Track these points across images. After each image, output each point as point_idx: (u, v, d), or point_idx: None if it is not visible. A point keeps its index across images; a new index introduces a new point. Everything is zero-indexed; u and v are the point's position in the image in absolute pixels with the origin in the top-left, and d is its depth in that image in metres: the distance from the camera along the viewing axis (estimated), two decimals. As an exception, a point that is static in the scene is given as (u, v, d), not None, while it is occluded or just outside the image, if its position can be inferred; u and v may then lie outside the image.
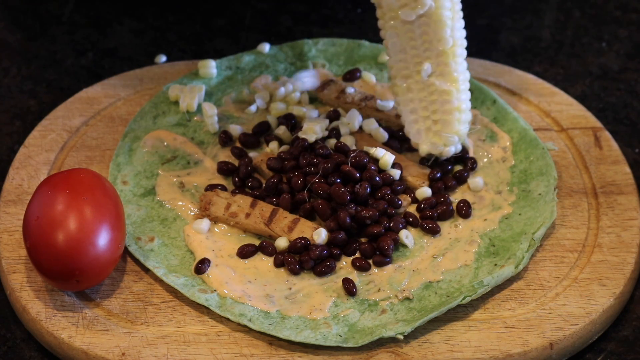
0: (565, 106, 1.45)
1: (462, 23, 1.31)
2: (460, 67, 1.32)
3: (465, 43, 1.32)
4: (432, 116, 1.33)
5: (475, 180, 1.34)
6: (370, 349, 1.18)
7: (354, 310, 1.21)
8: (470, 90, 1.32)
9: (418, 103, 1.33)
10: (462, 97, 1.32)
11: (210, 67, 1.47)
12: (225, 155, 1.39)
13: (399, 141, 1.39)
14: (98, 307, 1.22)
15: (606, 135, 1.41)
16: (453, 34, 1.30)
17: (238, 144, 1.40)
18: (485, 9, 1.66)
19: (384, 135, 1.37)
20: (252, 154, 1.38)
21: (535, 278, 1.25)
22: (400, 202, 1.31)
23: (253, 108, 1.43)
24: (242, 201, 1.30)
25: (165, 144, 1.39)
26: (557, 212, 1.31)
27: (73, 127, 1.42)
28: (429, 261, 1.26)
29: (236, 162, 1.37)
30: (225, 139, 1.39)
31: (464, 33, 1.32)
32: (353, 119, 1.38)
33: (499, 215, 1.31)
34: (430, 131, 1.34)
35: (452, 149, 1.34)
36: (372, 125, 1.38)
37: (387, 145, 1.37)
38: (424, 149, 1.34)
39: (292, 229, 1.28)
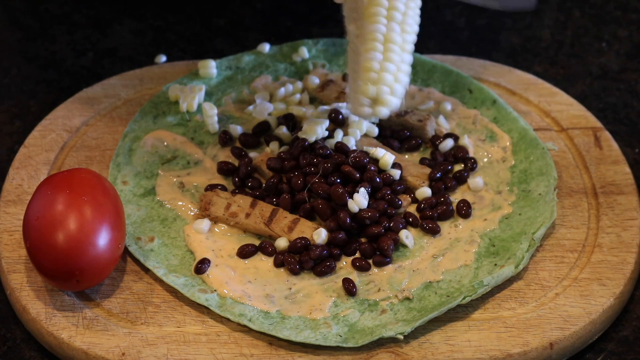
0: (565, 106, 1.45)
1: None
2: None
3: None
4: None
5: (475, 180, 1.34)
6: (370, 349, 1.18)
7: (354, 310, 1.21)
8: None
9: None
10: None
11: (210, 67, 1.47)
12: (225, 155, 1.39)
13: (398, 141, 1.39)
14: (98, 307, 1.22)
15: (606, 135, 1.41)
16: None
17: (238, 144, 1.40)
18: (485, 9, 1.66)
19: (374, 130, 1.37)
20: (252, 154, 1.38)
21: (535, 278, 1.25)
22: (400, 202, 1.30)
23: (255, 111, 1.43)
24: (242, 201, 1.30)
25: (165, 144, 1.39)
26: (557, 212, 1.30)
27: (73, 127, 1.42)
28: (429, 261, 1.26)
29: (236, 162, 1.37)
30: (225, 139, 1.39)
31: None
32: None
33: (499, 215, 1.31)
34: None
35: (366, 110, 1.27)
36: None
37: (387, 145, 1.37)
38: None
39: (292, 229, 1.28)
